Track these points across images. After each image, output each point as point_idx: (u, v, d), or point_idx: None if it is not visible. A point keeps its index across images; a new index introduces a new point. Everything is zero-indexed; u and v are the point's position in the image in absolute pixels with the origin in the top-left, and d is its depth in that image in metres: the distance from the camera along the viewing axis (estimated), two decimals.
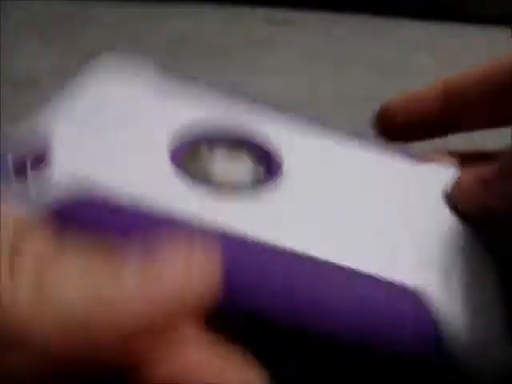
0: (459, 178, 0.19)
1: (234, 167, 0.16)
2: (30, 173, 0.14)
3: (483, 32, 0.57)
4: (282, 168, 0.16)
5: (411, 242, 0.16)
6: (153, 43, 0.49)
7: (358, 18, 0.62)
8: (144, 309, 0.13)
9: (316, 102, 0.37)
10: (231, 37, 0.53)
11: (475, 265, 0.17)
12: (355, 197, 0.16)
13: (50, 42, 0.48)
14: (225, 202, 0.15)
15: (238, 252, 0.14)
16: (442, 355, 0.15)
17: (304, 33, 0.56)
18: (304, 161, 0.16)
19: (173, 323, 0.14)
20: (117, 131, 0.16)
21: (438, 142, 0.23)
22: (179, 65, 0.43)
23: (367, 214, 0.16)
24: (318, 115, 0.22)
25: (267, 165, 0.16)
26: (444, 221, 0.17)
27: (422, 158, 0.19)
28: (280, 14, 0.62)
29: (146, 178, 0.15)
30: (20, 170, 0.15)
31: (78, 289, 0.13)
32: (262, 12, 0.62)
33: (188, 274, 0.14)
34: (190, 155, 0.16)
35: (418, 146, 0.22)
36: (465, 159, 0.20)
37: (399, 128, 0.21)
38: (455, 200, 0.19)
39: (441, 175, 0.18)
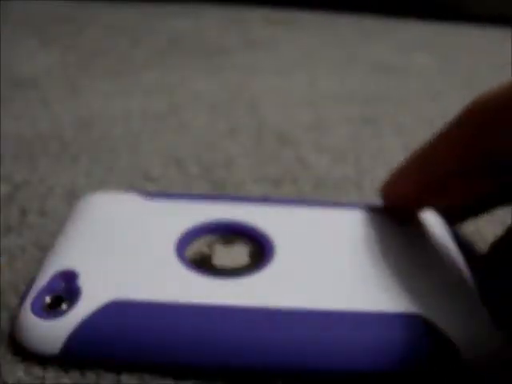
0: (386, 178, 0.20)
1: (232, 254, 0.18)
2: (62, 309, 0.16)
3: (483, 32, 0.57)
4: (274, 247, 0.18)
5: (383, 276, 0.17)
6: (153, 43, 0.49)
7: (358, 18, 0.62)
8: None
9: (316, 101, 0.37)
10: (231, 37, 0.53)
11: (449, 268, 0.18)
12: (332, 254, 0.18)
13: (50, 42, 0.48)
14: (228, 284, 0.17)
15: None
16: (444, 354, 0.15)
17: (304, 33, 0.56)
18: (291, 237, 0.19)
19: None
20: (126, 249, 0.18)
21: None
22: (179, 64, 0.43)
23: (347, 264, 0.18)
24: (299, 196, 0.24)
25: (261, 247, 0.18)
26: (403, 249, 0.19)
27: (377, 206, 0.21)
28: (280, 14, 0.62)
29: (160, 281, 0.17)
30: (52, 307, 0.16)
31: None
32: (261, 12, 0.62)
33: None
34: (192, 249, 0.18)
35: None
36: None
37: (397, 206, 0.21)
38: (382, 197, 0.20)
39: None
